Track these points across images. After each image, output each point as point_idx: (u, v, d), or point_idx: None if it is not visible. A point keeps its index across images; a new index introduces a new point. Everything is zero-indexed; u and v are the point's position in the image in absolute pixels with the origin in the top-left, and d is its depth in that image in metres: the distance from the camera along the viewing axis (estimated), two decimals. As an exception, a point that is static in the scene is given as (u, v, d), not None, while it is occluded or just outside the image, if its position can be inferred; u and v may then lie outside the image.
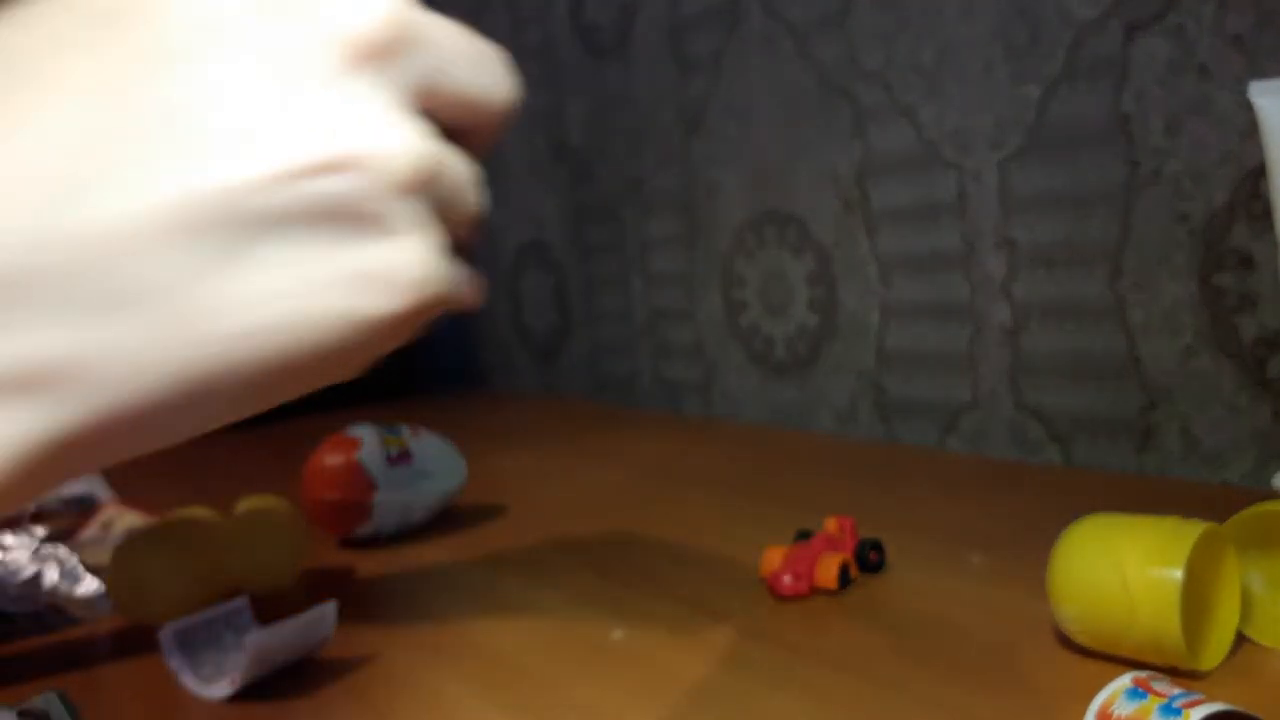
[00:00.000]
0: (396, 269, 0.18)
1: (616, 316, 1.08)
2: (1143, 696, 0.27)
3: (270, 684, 0.39)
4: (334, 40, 0.17)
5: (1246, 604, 0.35)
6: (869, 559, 0.46)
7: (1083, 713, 0.28)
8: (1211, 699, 0.27)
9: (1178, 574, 0.31)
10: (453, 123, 0.21)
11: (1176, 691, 0.27)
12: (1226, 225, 0.56)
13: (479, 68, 0.21)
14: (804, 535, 0.48)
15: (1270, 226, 0.53)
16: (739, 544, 0.52)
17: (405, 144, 0.18)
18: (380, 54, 0.18)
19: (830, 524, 0.49)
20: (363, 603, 0.49)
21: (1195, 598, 0.34)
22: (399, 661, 0.41)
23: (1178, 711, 0.26)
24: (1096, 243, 0.62)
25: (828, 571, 0.44)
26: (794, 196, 0.84)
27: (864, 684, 0.35)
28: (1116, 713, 0.27)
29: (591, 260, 1.11)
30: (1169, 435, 0.60)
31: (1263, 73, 0.53)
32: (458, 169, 0.20)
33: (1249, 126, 0.54)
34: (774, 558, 0.45)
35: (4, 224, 0.15)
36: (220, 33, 0.17)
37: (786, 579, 0.43)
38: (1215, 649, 0.34)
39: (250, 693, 0.39)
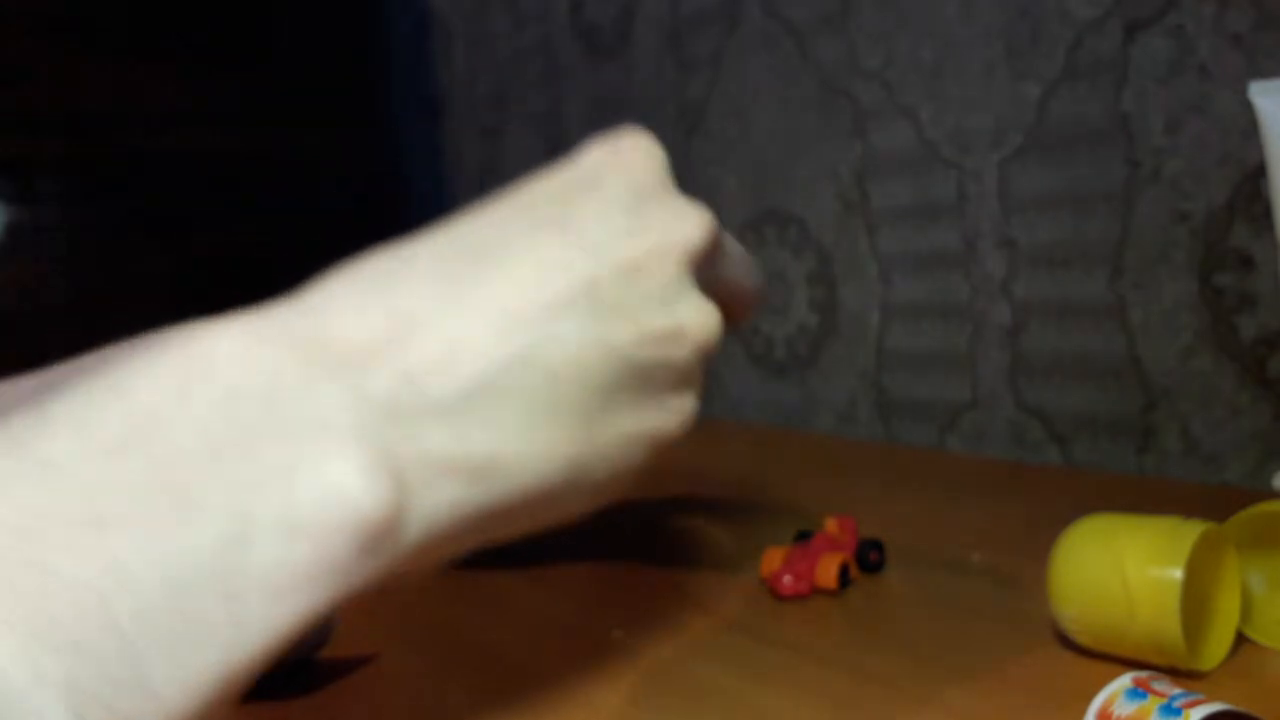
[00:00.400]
0: (686, 405, 0.26)
1: (616, 316, 1.08)
2: (1143, 696, 0.27)
3: (270, 684, 0.39)
4: (675, 249, 0.25)
5: (1246, 604, 0.35)
6: (869, 559, 0.46)
7: (1083, 713, 0.28)
8: (1211, 699, 0.27)
9: (1178, 574, 0.31)
10: (722, 304, 0.29)
11: (1176, 691, 0.27)
12: (1226, 225, 0.56)
13: (747, 269, 0.31)
14: (804, 535, 0.48)
15: (1270, 226, 0.53)
16: (739, 544, 0.52)
17: (712, 325, 0.26)
18: (702, 260, 0.26)
19: (830, 524, 0.49)
20: (363, 603, 0.49)
21: (1195, 598, 0.34)
22: (399, 661, 0.41)
23: (1178, 711, 0.26)
24: (1096, 243, 0.62)
25: (828, 571, 0.44)
26: (794, 196, 0.84)
27: (864, 684, 0.35)
28: (1116, 713, 0.27)
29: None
30: (1169, 435, 0.60)
31: (1263, 73, 0.53)
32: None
33: (1249, 126, 0.54)
34: (774, 558, 0.45)
35: (487, 344, 0.22)
36: (614, 242, 0.24)
37: (786, 579, 0.43)
38: (1215, 649, 0.34)
39: (250, 693, 0.39)
